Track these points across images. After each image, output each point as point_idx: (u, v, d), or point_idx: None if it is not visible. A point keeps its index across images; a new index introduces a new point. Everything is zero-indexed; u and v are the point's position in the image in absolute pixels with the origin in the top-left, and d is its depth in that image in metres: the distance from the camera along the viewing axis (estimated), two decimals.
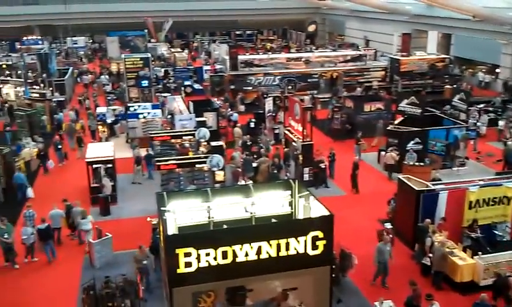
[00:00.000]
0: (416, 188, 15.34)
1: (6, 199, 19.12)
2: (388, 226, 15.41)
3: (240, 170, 20.12)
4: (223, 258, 9.64)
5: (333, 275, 11.73)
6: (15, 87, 33.94)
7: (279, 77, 35.07)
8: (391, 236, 14.70)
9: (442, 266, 13.57)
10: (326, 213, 10.51)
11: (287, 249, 9.95)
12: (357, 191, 20.08)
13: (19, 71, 38.47)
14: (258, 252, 9.82)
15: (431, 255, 13.73)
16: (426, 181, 16.44)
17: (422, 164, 20.68)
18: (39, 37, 56.86)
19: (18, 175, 20.24)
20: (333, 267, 11.81)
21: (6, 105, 31.90)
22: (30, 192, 19.92)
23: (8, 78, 37.16)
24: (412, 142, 21.39)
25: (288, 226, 10.79)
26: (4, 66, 42.32)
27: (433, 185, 16.06)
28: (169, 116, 27.52)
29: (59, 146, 23.27)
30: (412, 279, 12.57)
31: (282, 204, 12.34)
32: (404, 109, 25.13)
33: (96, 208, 18.45)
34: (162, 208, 11.01)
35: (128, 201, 19.38)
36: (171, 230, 10.44)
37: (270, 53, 41.69)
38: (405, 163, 20.78)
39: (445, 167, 21.63)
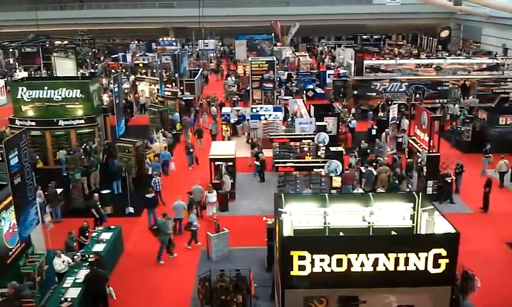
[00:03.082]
0: None
1: (136, 188, 20.49)
2: None
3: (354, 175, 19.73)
4: (337, 266, 9.45)
5: (454, 296, 10.94)
6: (150, 85, 36.49)
7: (406, 83, 33.66)
8: None
9: None
10: (451, 230, 9.83)
11: (406, 264, 9.50)
12: (486, 210, 18.56)
13: (154, 70, 41.29)
14: (375, 264, 9.48)
15: None
16: None
17: None
18: (173, 38, 60.53)
19: (164, 153, 22.93)
20: (454, 287, 11.00)
21: (140, 100, 34.33)
22: (173, 165, 22.87)
23: (144, 76, 40.03)
24: None
25: (409, 240, 10.28)
26: (140, 64, 45.69)
27: None
28: (289, 119, 27.74)
29: (191, 150, 23.71)
30: None
31: (403, 216, 11.78)
32: None
33: (216, 203, 19.08)
34: (279, 209, 11.05)
35: (246, 199, 19.83)
36: (287, 232, 10.44)
37: (398, 58, 40.22)
38: None
39: None
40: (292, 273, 9.49)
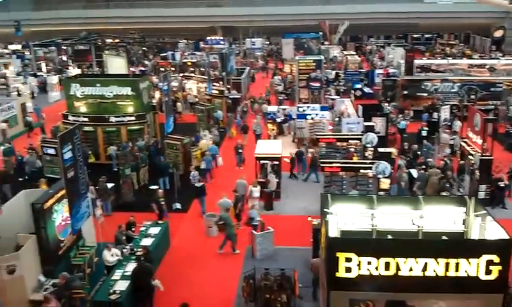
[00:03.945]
0: None
1: (182, 185, 20.81)
2: None
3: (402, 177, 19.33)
4: (385, 269, 9.28)
5: (505, 304, 10.52)
6: (197, 83, 36.94)
7: (458, 84, 32.69)
8: None
9: None
10: (505, 236, 9.46)
11: (456, 269, 9.22)
12: None
13: (202, 69, 41.79)
14: (424, 268, 9.26)
15: None
16: None
17: None
18: (221, 37, 61.06)
19: (212, 147, 23.49)
20: (507, 295, 10.58)
21: (189, 98, 34.78)
22: (220, 160, 23.32)
23: (192, 74, 40.55)
24: None
25: (460, 245, 9.94)
26: (189, 63, 46.33)
27: None
28: (336, 119, 27.46)
29: (240, 150, 23.60)
30: None
31: (454, 221, 11.42)
32: None
33: (261, 202, 19.15)
34: (325, 210, 10.95)
35: (291, 199, 19.78)
36: (333, 233, 10.33)
37: (450, 58, 39.10)
38: None
39: None
40: (337, 274, 9.39)
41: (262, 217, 16.85)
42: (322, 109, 27.13)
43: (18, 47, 61.56)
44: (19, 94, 36.61)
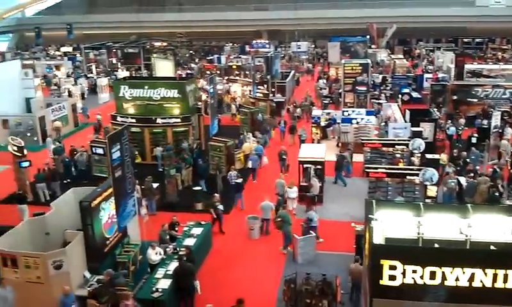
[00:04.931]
0: None
1: (224, 187, 20.93)
2: None
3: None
4: (430, 278, 9.06)
5: None
6: (242, 86, 37.16)
7: (510, 90, 31.49)
8: None
9: None
10: None
11: (505, 281, 8.93)
12: None
13: (247, 72, 42.01)
14: (471, 279, 8.98)
15: None
16: None
17: None
18: (266, 41, 61.24)
19: (258, 146, 23.89)
20: None
21: (236, 102, 34.98)
22: (265, 159, 23.73)
23: (237, 77, 40.84)
24: None
25: (509, 256, 9.57)
26: (234, 66, 46.68)
27: None
28: (383, 123, 26.99)
29: (284, 156, 23.13)
30: None
31: (504, 231, 10.98)
32: None
33: (303, 206, 19.04)
34: (370, 216, 10.75)
35: (333, 203, 19.55)
36: (378, 240, 10.13)
37: (501, 63, 37.74)
38: None
39: None
40: (381, 282, 9.21)
41: (304, 221, 16.72)
42: (368, 113, 26.74)
43: (70, 49, 63.70)
44: (70, 95, 37.86)
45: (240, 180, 19.85)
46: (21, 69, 33.71)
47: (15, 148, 20.47)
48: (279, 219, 16.22)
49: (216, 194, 18.15)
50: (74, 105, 32.91)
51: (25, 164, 20.38)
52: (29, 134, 28.28)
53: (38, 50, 65.59)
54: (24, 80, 32.56)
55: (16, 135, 24.61)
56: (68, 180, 21.75)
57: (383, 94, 36.05)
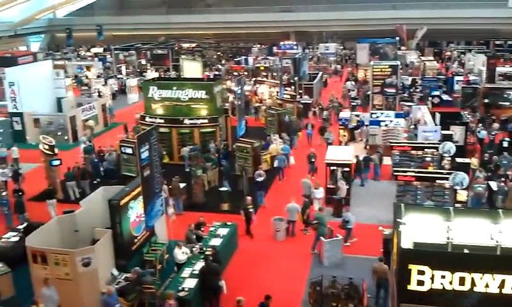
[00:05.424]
0: None
1: (250, 188, 20.92)
2: None
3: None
4: (460, 284, 8.91)
5: None
6: (269, 88, 37.13)
7: None
8: None
9: None
10: None
11: None
12: None
13: (274, 74, 41.97)
14: (501, 285, 8.78)
15: None
16: None
17: None
18: (294, 42, 61.09)
19: (285, 146, 24.14)
20: None
21: (262, 104, 34.97)
22: (292, 159, 23.96)
23: (264, 79, 40.83)
24: None
25: None
26: (261, 68, 46.71)
27: None
28: (412, 126, 26.61)
29: (313, 159, 22.82)
30: None
31: None
32: None
33: (329, 208, 18.93)
34: (398, 220, 10.60)
35: (361, 207, 19.34)
36: (406, 244, 9.97)
37: None
38: None
39: None
40: (409, 287, 9.09)
41: (330, 223, 16.61)
42: (397, 115, 26.41)
43: (100, 50, 64.77)
44: (100, 96, 38.50)
45: (261, 178, 19.98)
46: (52, 69, 34.42)
47: (46, 147, 20.91)
48: (315, 221, 16.14)
49: (248, 197, 18.04)
50: (104, 105, 33.44)
51: (56, 162, 20.80)
52: (59, 133, 28.89)
53: (69, 51, 66.92)
54: (56, 80, 33.22)
55: (48, 134, 25.17)
56: (98, 180, 22.09)
57: (413, 97, 35.53)
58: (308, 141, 27.71)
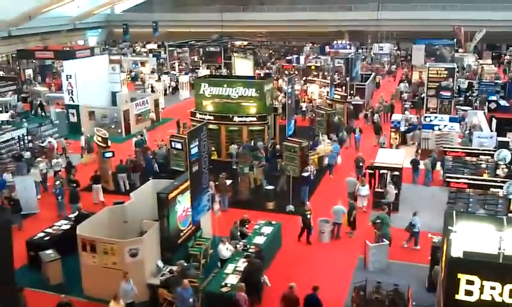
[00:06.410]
0: None
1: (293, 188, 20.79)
2: None
3: None
4: (510, 297, 8.55)
5: None
6: (320, 88, 36.83)
7: None
8: None
9: None
10: None
11: None
12: None
13: (325, 73, 41.58)
14: None
15: None
16: None
17: None
18: (347, 42, 60.31)
19: (335, 146, 24.37)
20: None
21: (312, 103, 34.72)
22: (339, 159, 23.85)
23: (315, 78, 40.53)
24: None
25: None
26: (312, 67, 46.38)
27: None
28: (467, 132, 25.74)
29: (361, 164, 22.19)
30: None
31: None
32: None
33: (377, 212, 18.57)
34: (449, 227, 10.27)
35: (410, 212, 18.78)
36: (456, 253, 9.64)
37: None
38: None
39: None
40: (456, 297, 8.79)
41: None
42: (452, 120, 25.62)
43: (154, 46, 66.17)
44: (153, 91, 39.35)
45: (307, 174, 20.14)
46: (109, 64, 35.46)
47: (100, 139, 21.58)
48: (378, 221, 15.93)
49: (307, 202, 17.76)
50: (157, 101, 34.14)
51: (109, 154, 21.44)
52: (113, 126, 29.72)
53: (125, 46, 68.77)
54: (111, 75, 34.19)
55: (102, 126, 25.97)
56: (151, 178, 22.52)
57: (471, 101, 34.37)
58: (355, 146, 26.81)
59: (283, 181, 20.65)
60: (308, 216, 16.71)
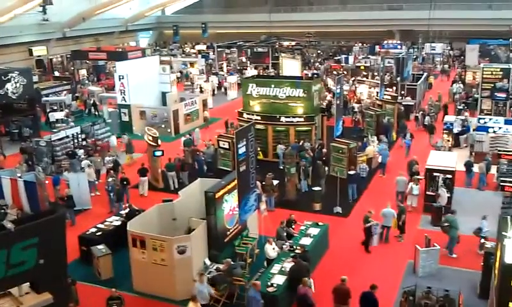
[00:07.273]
0: None
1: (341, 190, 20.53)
2: None
3: None
4: None
5: None
6: (369, 88, 36.25)
7: None
8: None
9: None
10: None
11: None
12: None
13: (375, 73, 40.88)
14: None
15: None
16: None
17: None
18: (398, 41, 59.11)
19: (381, 146, 24.10)
20: None
21: (361, 104, 34.22)
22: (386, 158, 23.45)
23: (364, 78, 39.93)
24: None
25: None
26: (362, 67, 45.71)
27: None
28: None
29: (413, 169, 20.93)
30: None
31: None
32: None
33: (427, 216, 18.15)
34: (503, 233, 9.91)
35: (462, 217, 18.22)
36: (510, 259, 9.28)
37: None
38: None
39: None
40: (510, 304, 8.47)
41: (429, 232, 15.91)
42: (507, 122, 24.66)
43: (203, 47, 67.10)
44: (201, 91, 39.89)
45: (353, 172, 20.45)
46: (159, 64, 36.19)
47: (150, 138, 22.07)
48: (446, 224, 15.66)
49: (371, 211, 16.72)
50: (205, 101, 34.60)
51: (158, 153, 21.90)
52: (163, 126, 30.34)
53: (174, 47, 70.04)
54: (161, 75, 34.90)
55: (152, 126, 26.52)
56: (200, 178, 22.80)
57: (509, 102, 32.87)
58: (405, 153, 25.36)
59: (322, 183, 20.47)
60: (372, 223, 16.22)
